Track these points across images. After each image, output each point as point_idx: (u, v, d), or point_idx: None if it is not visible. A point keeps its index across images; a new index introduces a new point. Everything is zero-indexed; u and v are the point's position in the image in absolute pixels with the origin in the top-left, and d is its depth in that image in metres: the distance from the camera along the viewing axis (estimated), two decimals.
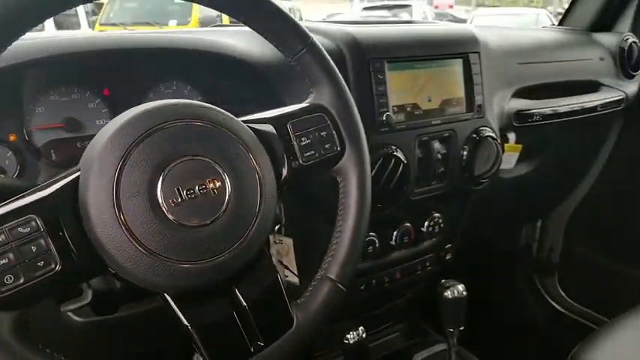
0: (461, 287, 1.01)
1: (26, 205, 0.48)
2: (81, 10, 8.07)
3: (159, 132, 0.51)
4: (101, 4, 7.82)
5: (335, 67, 0.66)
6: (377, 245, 1.02)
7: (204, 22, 6.22)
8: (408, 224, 1.06)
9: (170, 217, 0.49)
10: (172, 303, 0.53)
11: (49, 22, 6.51)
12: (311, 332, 0.61)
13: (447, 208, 1.11)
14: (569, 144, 1.40)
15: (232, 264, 0.53)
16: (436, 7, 19.13)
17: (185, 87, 0.87)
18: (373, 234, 1.01)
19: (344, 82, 0.66)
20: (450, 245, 1.17)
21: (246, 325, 0.56)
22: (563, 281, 1.68)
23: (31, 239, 0.47)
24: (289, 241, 0.91)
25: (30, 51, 0.72)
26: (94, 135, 0.53)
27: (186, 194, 0.50)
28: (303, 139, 0.63)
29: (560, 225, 1.65)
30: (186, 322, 0.53)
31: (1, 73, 0.67)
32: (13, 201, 0.48)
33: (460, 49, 1.01)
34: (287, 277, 0.92)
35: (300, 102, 0.66)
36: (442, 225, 1.10)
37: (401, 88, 0.93)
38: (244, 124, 0.58)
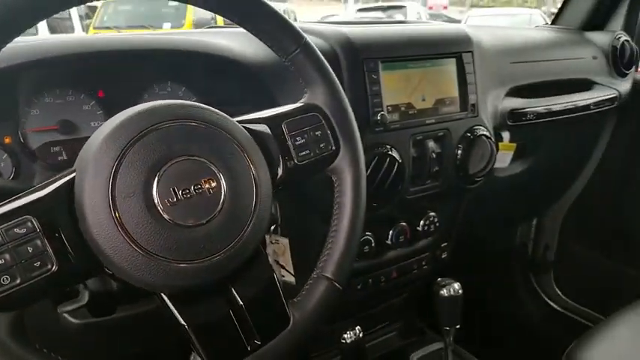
0: (457, 286, 1.01)
1: (22, 206, 0.48)
2: (74, 13, 8.05)
3: (154, 132, 0.51)
4: (95, 8, 7.81)
5: (329, 66, 0.66)
6: (373, 245, 1.02)
7: (198, 25, 6.21)
8: (404, 223, 1.06)
9: (166, 217, 0.49)
10: (169, 303, 0.53)
11: (43, 26, 6.49)
12: (307, 330, 0.61)
13: (442, 207, 1.11)
14: (564, 142, 1.41)
15: (228, 263, 0.53)
16: (430, 8, 19.17)
17: (180, 88, 0.87)
18: (369, 233, 1.01)
19: (338, 82, 0.67)
20: (445, 244, 1.18)
21: (243, 324, 0.56)
22: (558, 279, 1.69)
23: (27, 240, 0.47)
24: (285, 241, 0.91)
25: (24, 53, 0.72)
26: (89, 137, 0.53)
27: (182, 194, 0.50)
28: (297, 138, 0.63)
29: (556, 223, 1.65)
30: (182, 322, 0.53)
31: None
32: (8, 202, 0.48)
33: (453, 49, 1.01)
34: (283, 276, 0.92)
35: (295, 102, 0.66)
36: (438, 224, 1.11)
37: (395, 87, 0.93)
38: (239, 124, 0.58)
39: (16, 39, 0.51)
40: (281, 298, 0.60)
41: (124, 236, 0.48)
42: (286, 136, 0.62)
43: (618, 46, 1.39)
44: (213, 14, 0.65)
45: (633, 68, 1.44)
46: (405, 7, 11.19)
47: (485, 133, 1.02)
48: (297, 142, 0.63)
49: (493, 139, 1.03)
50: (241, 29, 0.64)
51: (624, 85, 1.40)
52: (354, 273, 1.03)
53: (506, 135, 1.18)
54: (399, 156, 0.92)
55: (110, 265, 0.50)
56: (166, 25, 6.57)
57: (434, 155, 0.98)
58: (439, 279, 1.04)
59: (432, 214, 1.10)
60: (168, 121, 0.52)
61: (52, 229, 0.48)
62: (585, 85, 1.34)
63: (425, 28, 1.05)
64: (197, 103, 0.57)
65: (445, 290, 1.01)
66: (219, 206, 0.52)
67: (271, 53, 0.65)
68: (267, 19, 0.62)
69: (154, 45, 0.84)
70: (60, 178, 0.51)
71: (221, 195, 0.52)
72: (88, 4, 0.55)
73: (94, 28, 7.24)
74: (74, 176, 0.50)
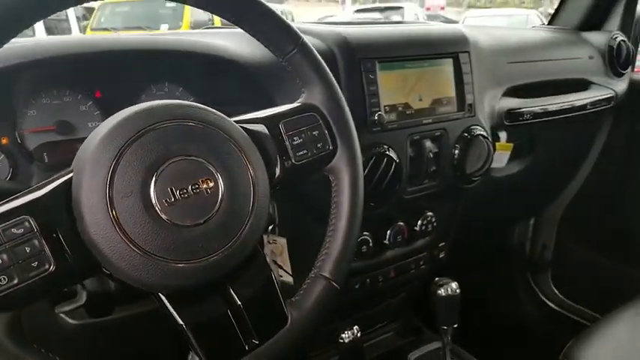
0: (454, 285, 1.01)
1: (20, 206, 0.48)
2: (72, 15, 8.05)
3: (151, 132, 0.51)
4: (92, 9, 7.80)
5: (326, 66, 0.66)
6: (371, 244, 1.02)
7: (195, 26, 6.21)
8: (402, 223, 1.06)
9: (163, 216, 0.49)
10: (167, 303, 0.53)
11: (40, 28, 6.48)
12: (305, 330, 0.61)
13: (439, 207, 1.12)
14: (560, 142, 1.41)
15: (226, 263, 0.53)
16: (428, 9, 19.21)
17: (177, 89, 0.87)
18: (367, 233, 1.02)
19: (335, 82, 0.67)
20: (443, 244, 1.18)
21: (241, 323, 0.56)
22: (555, 279, 1.69)
23: (24, 240, 0.47)
24: (283, 241, 0.91)
25: (21, 54, 0.72)
26: (87, 137, 0.53)
27: (180, 194, 0.50)
28: (295, 138, 0.63)
29: (553, 223, 1.66)
30: (180, 322, 0.53)
31: None
32: (6, 202, 0.48)
33: (450, 49, 1.01)
34: (281, 276, 0.92)
35: (292, 102, 0.66)
36: (435, 224, 1.11)
37: (392, 87, 0.94)
38: (236, 124, 0.58)
39: (13, 40, 0.51)
40: (279, 298, 0.60)
41: (121, 236, 0.48)
42: (284, 136, 0.62)
43: (615, 46, 1.40)
44: (210, 15, 0.65)
45: (629, 68, 1.44)
46: (402, 8, 11.19)
47: (482, 132, 1.02)
48: (295, 142, 0.63)
49: (490, 139, 1.04)
50: (238, 30, 0.64)
51: (621, 85, 1.40)
52: (352, 273, 1.03)
53: (503, 135, 1.18)
54: (396, 156, 0.92)
55: (108, 265, 0.50)
56: (164, 27, 6.56)
57: (431, 155, 0.98)
58: (437, 278, 1.04)
59: (430, 213, 1.10)
60: (165, 121, 0.52)
61: (49, 229, 0.48)
62: (582, 85, 1.35)
63: (422, 29, 1.05)
64: (194, 103, 0.57)
65: (443, 290, 1.01)
66: (217, 206, 0.52)
67: (268, 53, 0.65)
68: (265, 19, 0.62)
69: (151, 45, 0.84)
70: (57, 178, 0.51)
71: (219, 195, 0.52)
72: (85, 4, 0.55)
73: (92, 29, 7.23)
74: (72, 176, 0.50)
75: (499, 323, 1.63)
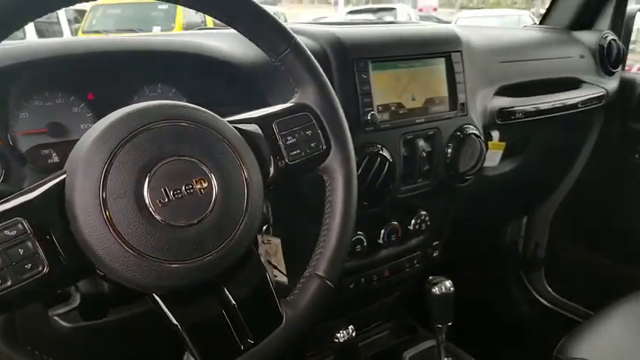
0: (448, 283, 1.02)
1: (12, 208, 0.48)
2: (63, 17, 8.00)
3: (144, 133, 0.51)
4: (83, 12, 7.76)
5: (319, 66, 0.66)
6: (365, 244, 1.03)
7: (188, 28, 6.20)
8: (395, 222, 1.07)
9: (157, 217, 0.49)
10: (161, 303, 0.53)
11: (31, 30, 6.44)
12: (300, 329, 0.61)
13: (433, 206, 1.12)
14: (552, 141, 1.42)
15: (220, 263, 0.53)
16: (420, 10, 19.24)
17: (170, 90, 0.87)
18: (361, 233, 1.02)
19: (328, 82, 0.67)
20: (437, 242, 1.18)
21: (236, 323, 0.56)
22: (548, 276, 1.70)
23: (18, 242, 0.47)
24: (277, 241, 0.91)
25: (12, 56, 0.72)
26: (79, 139, 0.53)
27: (173, 194, 0.50)
28: (288, 138, 0.63)
29: (546, 221, 1.67)
30: (175, 322, 0.53)
31: None
32: None
33: (443, 49, 1.02)
34: (276, 276, 0.92)
35: (285, 102, 0.66)
36: (429, 222, 1.11)
37: (385, 87, 0.94)
38: (230, 125, 0.58)
39: (4, 42, 0.51)
40: (274, 297, 0.60)
41: (115, 237, 0.48)
42: (277, 135, 0.63)
43: (605, 45, 1.41)
44: (202, 17, 0.65)
45: (620, 67, 1.46)
46: (395, 9, 11.22)
47: (474, 131, 1.03)
48: (288, 142, 0.63)
49: (482, 138, 1.04)
50: (231, 30, 0.64)
51: (611, 84, 1.42)
52: (346, 272, 1.03)
53: (495, 134, 1.19)
54: (389, 155, 0.92)
55: (102, 267, 0.49)
56: (156, 29, 6.54)
57: (424, 154, 0.99)
58: (431, 277, 1.05)
59: (423, 212, 1.10)
60: (158, 121, 0.52)
61: (42, 230, 0.48)
62: (573, 83, 1.36)
63: (414, 29, 1.06)
64: (187, 104, 0.57)
65: (437, 288, 1.01)
66: (211, 206, 0.52)
67: (261, 53, 0.65)
68: (257, 20, 0.62)
69: (143, 46, 0.84)
70: (50, 180, 0.51)
71: (212, 195, 0.52)
72: (78, 5, 0.55)
73: (83, 32, 7.19)
74: (64, 178, 0.50)
75: (493, 321, 1.64)
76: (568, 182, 1.60)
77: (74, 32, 7.98)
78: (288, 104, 0.66)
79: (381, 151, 0.91)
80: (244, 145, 0.58)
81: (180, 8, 6.56)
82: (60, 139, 0.79)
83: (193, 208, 0.51)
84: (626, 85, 1.46)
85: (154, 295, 0.53)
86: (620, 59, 1.44)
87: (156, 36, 0.95)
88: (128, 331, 0.91)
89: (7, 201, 0.49)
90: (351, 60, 0.89)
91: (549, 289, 1.69)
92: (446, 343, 1.07)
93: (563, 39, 1.42)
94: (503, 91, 1.18)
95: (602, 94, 1.36)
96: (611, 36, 1.43)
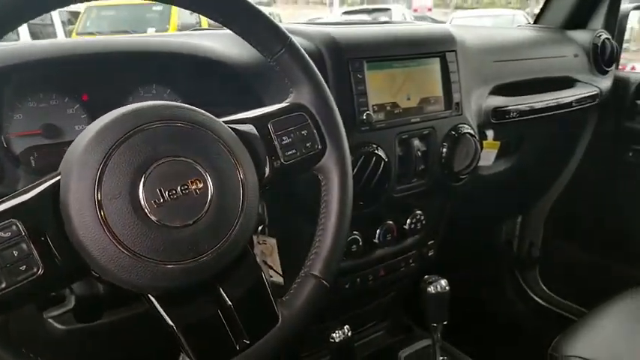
0: (444, 282, 1.02)
1: (7, 210, 0.48)
2: (57, 19, 7.97)
3: (139, 134, 0.51)
4: (77, 13, 7.74)
5: (314, 66, 0.66)
6: (360, 244, 1.03)
7: (182, 29, 6.17)
8: (391, 222, 1.07)
9: (152, 218, 0.49)
10: (156, 304, 0.53)
11: (25, 32, 6.42)
12: (296, 328, 0.61)
13: (428, 205, 1.12)
14: (547, 140, 1.42)
15: (216, 264, 0.53)
16: (415, 10, 19.26)
17: (165, 90, 0.87)
18: (356, 232, 1.02)
19: (323, 81, 0.67)
20: (432, 242, 1.19)
21: (232, 323, 0.56)
22: (543, 275, 1.71)
23: (12, 244, 0.47)
24: (273, 242, 0.91)
25: (6, 57, 0.71)
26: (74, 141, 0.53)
27: (169, 195, 0.50)
28: (284, 138, 0.63)
29: (540, 220, 1.68)
30: (170, 323, 0.53)
31: None
32: None
33: (437, 48, 1.02)
34: (271, 277, 0.92)
35: (281, 102, 0.66)
36: (424, 222, 1.12)
37: (380, 87, 0.94)
38: (225, 125, 0.58)
39: None
40: (269, 297, 0.60)
41: (110, 238, 0.48)
42: (272, 135, 0.62)
43: (599, 44, 1.42)
44: (197, 18, 0.65)
45: (614, 66, 1.46)
46: (389, 9, 11.24)
47: (469, 131, 1.03)
48: (284, 142, 0.63)
49: (477, 137, 1.05)
50: (226, 31, 0.64)
51: (605, 82, 1.42)
52: (342, 272, 1.03)
53: (490, 133, 1.19)
54: (385, 155, 0.92)
55: (97, 268, 0.49)
56: (150, 30, 6.53)
57: (419, 154, 0.99)
58: (426, 276, 1.05)
59: (419, 212, 1.11)
60: (153, 122, 0.52)
61: (37, 232, 0.48)
62: (567, 82, 1.36)
63: (409, 28, 1.06)
64: (182, 104, 0.56)
65: (432, 287, 1.02)
66: (206, 207, 0.52)
67: (256, 54, 0.65)
68: (252, 20, 0.62)
69: (138, 47, 0.83)
70: (45, 181, 0.50)
71: (208, 195, 0.52)
72: (73, 6, 0.55)
73: (77, 34, 7.17)
74: (59, 179, 0.50)
75: (488, 320, 1.64)
76: (562, 181, 1.60)
77: (68, 34, 7.95)
78: (283, 104, 0.66)
79: (376, 151, 0.91)
80: (240, 146, 0.58)
81: (175, 9, 6.57)
82: (54, 140, 0.78)
83: (189, 208, 0.51)
84: (619, 83, 1.47)
85: (150, 295, 0.53)
86: (614, 58, 1.45)
87: (150, 37, 0.95)
88: (122, 333, 0.91)
89: (2, 202, 0.48)
90: (346, 60, 0.89)
91: (544, 287, 1.70)
92: (441, 342, 1.07)
93: (557, 38, 1.43)
94: (497, 91, 1.18)
95: (595, 92, 1.36)
96: (604, 35, 1.44)
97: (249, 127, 0.62)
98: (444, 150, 1.02)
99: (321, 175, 0.67)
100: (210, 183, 0.53)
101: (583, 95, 1.33)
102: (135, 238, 0.49)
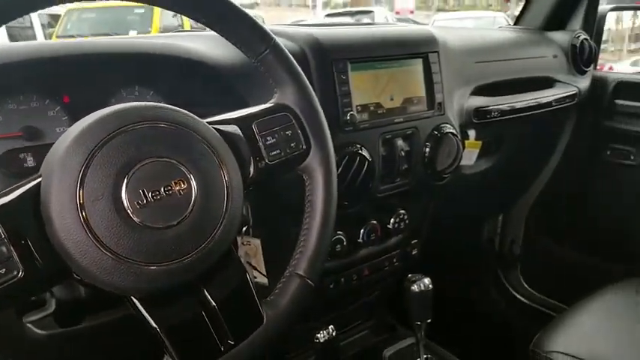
0: (427, 281, 1.02)
1: None
2: (37, 22, 7.86)
3: (122, 135, 0.51)
4: (58, 16, 7.63)
5: (298, 66, 0.67)
6: (344, 243, 1.03)
7: (165, 31, 6.12)
8: (375, 222, 1.08)
9: (135, 219, 0.49)
10: (139, 306, 0.53)
11: (3, 34, 6.32)
12: (281, 328, 0.61)
13: (412, 205, 1.13)
14: (527, 139, 1.44)
15: (199, 265, 0.53)
16: (397, 12, 19.36)
17: (148, 92, 0.86)
18: (340, 232, 1.02)
19: (307, 82, 0.67)
20: (415, 241, 1.19)
21: (216, 324, 0.56)
22: (524, 272, 1.73)
23: None
24: (257, 242, 0.91)
25: None
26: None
27: (152, 196, 0.50)
28: (268, 138, 0.63)
29: (521, 218, 1.70)
30: (154, 325, 0.53)
31: None
32: None
33: (420, 49, 1.03)
34: (256, 278, 0.92)
35: (265, 102, 0.66)
36: (408, 221, 1.12)
37: (364, 87, 0.95)
38: (209, 126, 0.58)
39: None
40: (254, 298, 0.60)
41: (92, 240, 0.47)
42: (257, 136, 0.62)
43: (577, 45, 1.44)
44: (180, 20, 0.65)
45: (592, 66, 1.49)
46: (372, 11, 11.29)
47: (451, 130, 1.04)
48: (268, 142, 0.63)
49: (459, 137, 1.06)
50: (209, 32, 0.64)
51: (584, 82, 1.45)
52: (326, 272, 1.03)
53: (472, 133, 1.21)
54: (368, 155, 0.93)
55: (78, 270, 0.49)
56: (132, 33, 6.46)
57: (403, 153, 1.00)
58: (409, 275, 1.05)
59: (402, 211, 1.11)
60: (136, 123, 0.52)
61: (17, 235, 0.47)
62: (547, 82, 1.39)
63: (392, 30, 1.07)
64: (166, 105, 0.56)
65: (416, 286, 1.02)
66: (190, 208, 0.52)
67: (240, 54, 0.65)
68: (236, 21, 0.62)
69: (120, 49, 0.83)
70: (25, 184, 0.50)
71: (191, 196, 0.52)
72: (53, 7, 0.54)
73: (57, 36, 7.06)
74: (40, 181, 0.49)
75: (471, 317, 1.66)
76: (542, 179, 1.63)
77: (48, 37, 7.84)
78: (267, 105, 0.66)
79: (360, 151, 0.92)
80: (224, 146, 0.57)
81: (157, 11, 6.52)
82: (35, 142, 0.77)
83: (172, 209, 0.51)
84: (597, 83, 1.49)
85: (133, 298, 0.52)
86: (592, 58, 1.47)
87: (132, 38, 0.94)
88: (104, 337, 0.90)
89: None
90: (330, 61, 0.90)
91: (525, 285, 1.72)
92: (425, 340, 1.08)
93: (536, 39, 1.45)
94: (479, 91, 1.20)
95: (574, 92, 1.39)
96: (583, 36, 1.47)
97: (233, 128, 0.62)
98: (427, 150, 1.03)
99: (306, 175, 0.67)
100: (193, 184, 0.52)
101: (562, 95, 1.35)
102: (117, 239, 0.48)
